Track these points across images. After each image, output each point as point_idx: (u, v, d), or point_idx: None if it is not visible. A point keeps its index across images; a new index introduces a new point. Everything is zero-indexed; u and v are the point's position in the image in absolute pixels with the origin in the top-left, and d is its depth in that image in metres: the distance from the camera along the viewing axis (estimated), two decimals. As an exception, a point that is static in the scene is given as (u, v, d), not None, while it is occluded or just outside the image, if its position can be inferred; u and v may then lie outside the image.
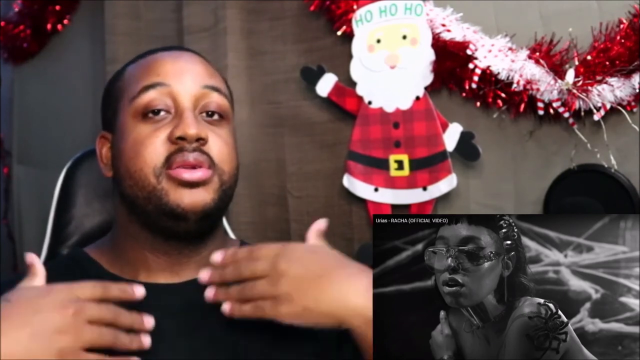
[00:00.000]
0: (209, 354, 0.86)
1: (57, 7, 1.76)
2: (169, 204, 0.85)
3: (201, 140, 0.87)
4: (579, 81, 1.12)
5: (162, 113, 0.88)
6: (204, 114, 0.90)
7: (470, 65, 1.20)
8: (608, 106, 1.12)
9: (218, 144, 0.89)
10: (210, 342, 0.86)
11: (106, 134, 0.96)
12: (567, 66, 1.15)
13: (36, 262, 0.84)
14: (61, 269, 0.93)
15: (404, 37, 1.29)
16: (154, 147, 0.86)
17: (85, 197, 1.13)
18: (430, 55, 1.27)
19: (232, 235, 1.26)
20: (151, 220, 0.88)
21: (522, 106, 1.19)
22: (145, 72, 0.91)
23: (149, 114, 0.88)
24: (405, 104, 1.30)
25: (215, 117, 0.91)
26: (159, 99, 0.88)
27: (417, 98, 1.29)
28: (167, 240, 0.90)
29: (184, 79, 0.90)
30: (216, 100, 0.91)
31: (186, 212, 0.86)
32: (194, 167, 0.86)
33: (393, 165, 1.32)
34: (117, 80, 0.95)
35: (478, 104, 1.24)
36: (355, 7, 1.33)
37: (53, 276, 0.90)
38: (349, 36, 1.34)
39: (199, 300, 0.87)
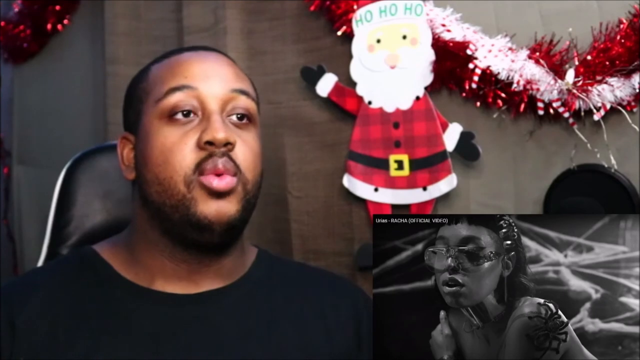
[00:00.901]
0: None
1: (57, 7, 1.76)
2: (196, 215, 0.83)
3: (229, 145, 0.84)
4: (579, 81, 1.12)
5: (190, 115, 0.86)
6: (232, 117, 0.88)
7: (470, 65, 1.20)
8: (608, 106, 1.12)
9: (244, 150, 0.87)
10: (229, 355, 0.85)
11: (128, 135, 0.92)
12: (567, 66, 1.15)
13: None
14: (70, 268, 0.90)
15: (404, 37, 1.29)
16: (183, 155, 0.84)
17: (85, 197, 1.13)
18: (430, 55, 1.27)
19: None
20: (175, 230, 0.86)
21: (522, 106, 1.19)
22: (171, 73, 0.88)
23: (175, 115, 0.86)
24: (405, 104, 1.30)
25: (244, 120, 0.89)
26: (186, 101, 0.86)
27: (417, 98, 1.29)
28: (187, 250, 0.87)
29: (211, 81, 0.87)
30: (244, 103, 0.88)
31: (212, 223, 0.83)
32: (222, 174, 0.84)
33: (393, 165, 1.32)
34: (141, 80, 0.92)
35: (478, 104, 1.24)
36: (355, 7, 1.33)
37: (62, 277, 0.89)
38: (349, 36, 1.34)
39: (217, 312, 0.87)
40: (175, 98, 0.86)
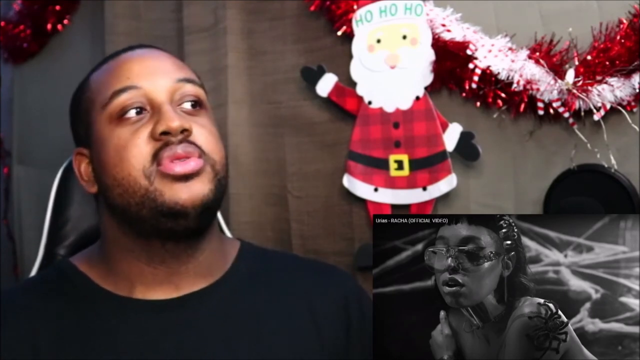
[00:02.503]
0: None
1: (57, 7, 1.76)
2: (165, 203, 0.81)
3: (186, 132, 0.83)
4: (579, 81, 1.12)
5: (140, 113, 0.84)
6: (184, 105, 0.87)
7: (470, 65, 1.20)
8: (608, 106, 1.12)
9: (203, 134, 0.85)
10: (216, 358, 0.84)
11: (82, 149, 0.91)
12: (567, 66, 1.15)
13: None
14: (49, 285, 0.89)
15: (404, 37, 1.29)
16: (138, 149, 0.82)
17: (82, 197, 1.13)
18: (430, 55, 1.27)
19: (228, 234, 1.25)
20: (147, 226, 0.84)
21: (522, 106, 1.19)
22: (114, 76, 0.87)
23: (125, 114, 0.84)
24: (405, 104, 1.30)
25: (196, 107, 0.88)
26: (134, 99, 0.84)
27: (417, 98, 1.29)
28: (164, 246, 0.85)
29: (154, 77, 0.86)
30: (192, 90, 0.88)
31: (186, 207, 0.81)
32: (183, 159, 0.82)
33: (393, 165, 1.32)
34: (84, 92, 0.91)
35: (478, 104, 1.24)
36: (355, 7, 1.33)
37: (41, 296, 0.87)
38: (349, 36, 1.34)
39: (200, 315, 0.86)
40: (122, 99, 0.84)
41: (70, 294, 0.86)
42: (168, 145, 0.82)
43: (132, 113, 0.84)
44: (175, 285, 0.87)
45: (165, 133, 0.82)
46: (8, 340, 0.82)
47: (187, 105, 0.87)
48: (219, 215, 1.28)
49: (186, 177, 0.82)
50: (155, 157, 0.82)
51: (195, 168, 0.82)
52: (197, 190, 0.82)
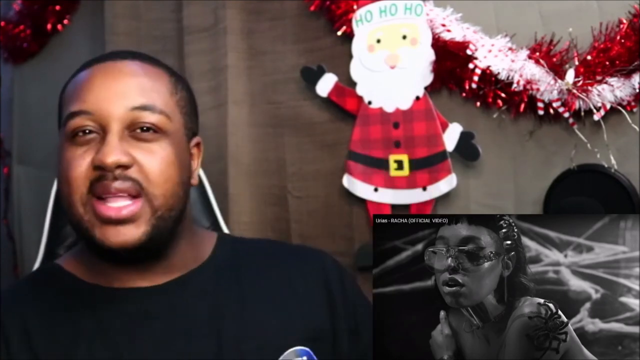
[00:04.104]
0: (195, 354, 0.84)
1: (57, 7, 1.76)
2: (95, 240, 0.81)
3: (122, 168, 0.81)
4: (579, 81, 1.12)
5: (90, 133, 0.83)
6: (137, 131, 0.84)
7: (470, 65, 1.20)
8: (608, 106, 1.12)
9: (148, 163, 0.83)
10: (195, 342, 0.85)
11: None
12: (567, 66, 1.15)
13: None
14: (37, 284, 0.91)
15: (404, 37, 1.29)
16: (79, 172, 0.82)
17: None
18: (430, 55, 1.27)
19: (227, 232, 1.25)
20: (91, 244, 0.85)
21: (522, 106, 1.19)
22: (74, 96, 0.86)
23: (76, 136, 0.84)
24: (405, 104, 1.30)
25: (150, 133, 0.85)
26: (84, 124, 0.83)
27: (417, 98, 1.29)
28: (123, 261, 0.86)
29: (109, 102, 0.84)
30: (148, 119, 0.84)
31: (115, 249, 0.81)
32: (116, 196, 0.81)
33: (393, 165, 1.32)
34: (61, 98, 0.91)
35: (478, 104, 1.24)
36: (355, 7, 1.33)
37: (29, 292, 0.89)
38: (349, 36, 1.34)
39: (183, 298, 0.87)
40: (75, 123, 0.84)
41: (57, 289, 0.88)
42: (101, 181, 0.81)
43: (81, 134, 0.84)
44: (150, 278, 0.88)
45: (99, 167, 0.81)
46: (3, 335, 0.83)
47: (143, 129, 0.85)
48: (219, 215, 1.28)
49: (117, 222, 0.81)
50: (92, 186, 0.82)
51: (128, 215, 0.81)
52: (128, 234, 0.81)
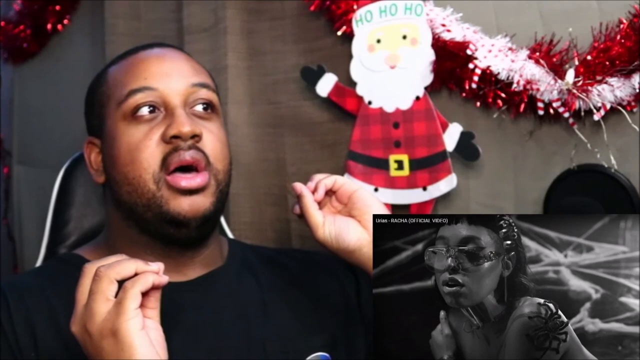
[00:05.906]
0: (226, 350, 0.86)
1: (57, 7, 1.76)
2: (169, 212, 0.85)
3: (196, 137, 0.86)
4: (579, 81, 1.12)
5: (154, 111, 0.87)
6: (196, 108, 0.89)
7: (470, 65, 1.20)
8: (608, 106, 1.12)
9: (211, 141, 0.88)
10: (226, 339, 0.87)
11: (93, 139, 0.94)
12: (567, 66, 1.15)
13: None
14: (55, 272, 0.91)
15: (404, 37, 1.29)
16: (149, 151, 0.85)
17: (84, 196, 1.13)
18: (430, 55, 1.27)
19: (229, 234, 1.26)
20: (151, 227, 0.87)
21: (522, 106, 1.19)
22: (131, 75, 0.89)
23: (138, 112, 0.86)
24: (405, 104, 1.30)
25: (208, 110, 0.90)
26: (148, 99, 0.87)
27: (417, 98, 1.29)
28: (168, 246, 0.89)
29: (170, 79, 0.88)
30: (205, 94, 0.90)
31: (188, 218, 0.85)
32: (191, 165, 0.85)
33: (393, 165, 1.32)
34: (100, 84, 0.93)
35: (478, 104, 1.24)
36: (355, 7, 1.33)
37: (50, 278, 0.89)
38: (349, 36, 1.34)
39: (211, 295, 0.89)
40: (137, 98, 0.86)
41: (77, 278, 0.87)
42: (177, 151, 0.85)
43: (144, 111, 0.86)
44: (182, 273, 0.90)
45: (176, 137, 0.84)
46: (24, 315, 0.83)
47: (200, 108, 0.89)
48: (219, 215, 1.28)
49: (190, 192, 0.85)
50: (165, 161, 0.85)
51: (200, 184, 0.86)
52: (199, 204, 0.86)
